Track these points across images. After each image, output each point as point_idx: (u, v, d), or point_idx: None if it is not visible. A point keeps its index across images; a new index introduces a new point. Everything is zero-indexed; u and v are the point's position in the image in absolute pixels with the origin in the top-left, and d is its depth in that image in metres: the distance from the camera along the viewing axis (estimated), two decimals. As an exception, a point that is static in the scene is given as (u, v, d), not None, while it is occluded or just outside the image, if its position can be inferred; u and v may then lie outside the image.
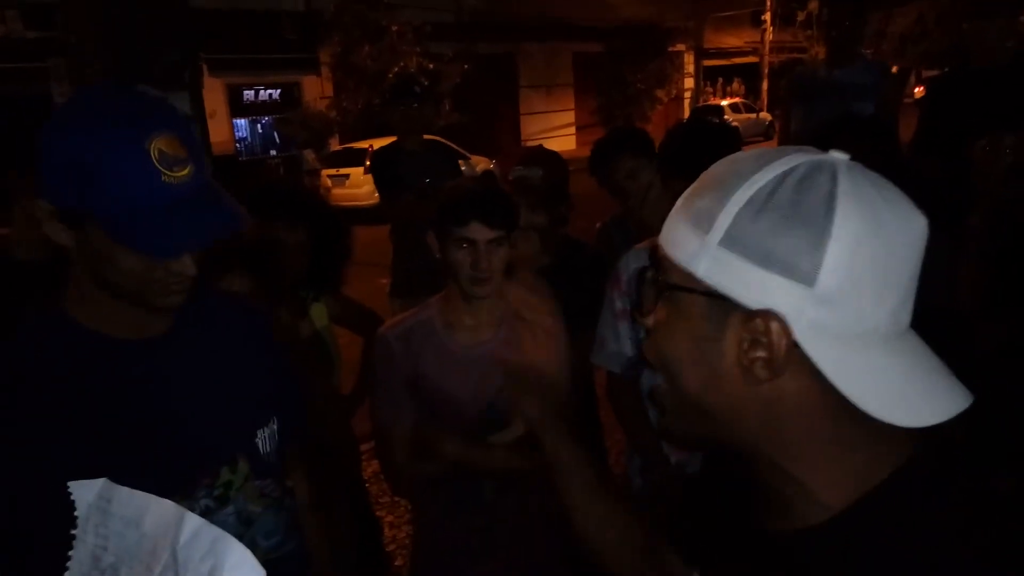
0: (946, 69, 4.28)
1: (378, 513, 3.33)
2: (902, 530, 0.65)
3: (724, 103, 25.81)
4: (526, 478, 1.80)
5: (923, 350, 0.68)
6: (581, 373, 2.14)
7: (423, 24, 17.12)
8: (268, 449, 1.31)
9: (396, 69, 15.83)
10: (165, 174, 0.99)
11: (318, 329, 2.24)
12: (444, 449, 1.73)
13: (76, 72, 2.57)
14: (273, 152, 18.65)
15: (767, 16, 26.95)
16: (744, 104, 26.22)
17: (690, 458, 1.94)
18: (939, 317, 1.63)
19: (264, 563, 1.09)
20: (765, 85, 27.20)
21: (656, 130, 17.65)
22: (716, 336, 0.68)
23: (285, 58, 17.78)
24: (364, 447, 2.84)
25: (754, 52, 29.02)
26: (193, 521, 0.81)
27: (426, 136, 4.31)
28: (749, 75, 29.09)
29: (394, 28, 16.78)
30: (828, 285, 0.62)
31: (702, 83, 30.08)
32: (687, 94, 29.19)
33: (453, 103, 17.37)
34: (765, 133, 21.66)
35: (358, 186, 13.56)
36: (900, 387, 0.64)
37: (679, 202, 0.73)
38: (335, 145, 16.83)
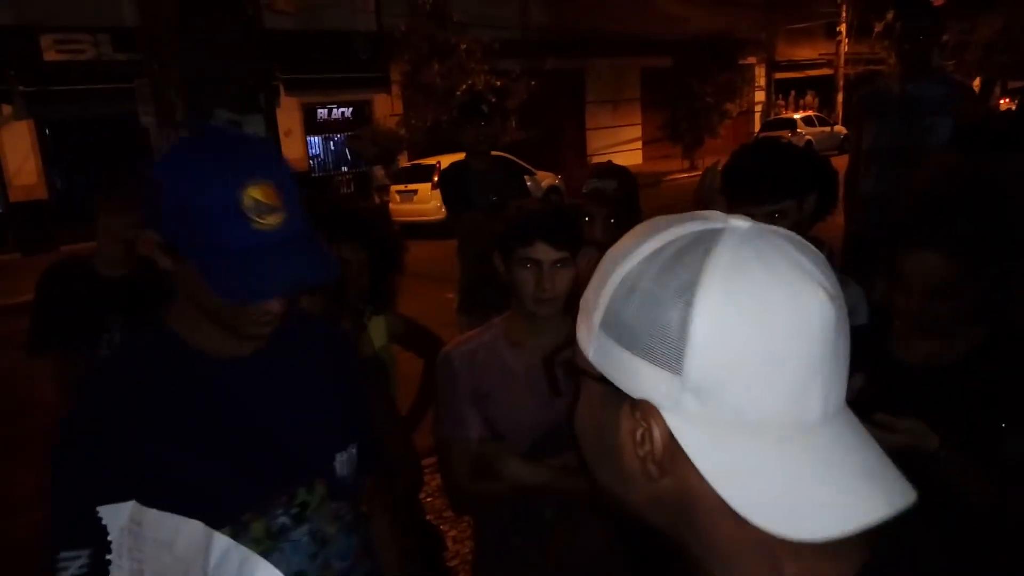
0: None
1: (442, 527, 3.35)
2: None
3: (796, 116, 25.28)
4: (586, 500, 1.80)
5: (849, 441, 0.57)
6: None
7: (491, 42, 17.32)
8: (345, 473, 1.32)
9: (464, 86, 16.04)
10: (255, 222, 1.02)
11: (377, 348, 2.28)
12: (505, 468, 1.73)
13: (159, 95, 2.69)
14: (344, 168, 19.16)
15: (842, 27, 26.37)
16: (817, 117, 25.61)
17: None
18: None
19: None
20: (840, 98, 26.56)
21: (725, 144, 17.43)
22: (613, 427, 0.61)
23: (357, 77, 18.27)
24: (427, 461, 2.87)
25: (828, 64, 28.39)
26: (222, 542, 0.82)
27: (493, 153, 4.36)
28: (823, 87, 28.42)
29: (462, 46, 17.03)
30: (697, 372, 0.54)
31: (774, 96, 29.55)
32: (758, 107, 28.73)
33: (519, 119, 17.49)
34: (840, 147, 21.07)
35: (425, 201, 13.80)
36: (794, 489, 0.54)
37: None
38: (404, 161, 17.13)
